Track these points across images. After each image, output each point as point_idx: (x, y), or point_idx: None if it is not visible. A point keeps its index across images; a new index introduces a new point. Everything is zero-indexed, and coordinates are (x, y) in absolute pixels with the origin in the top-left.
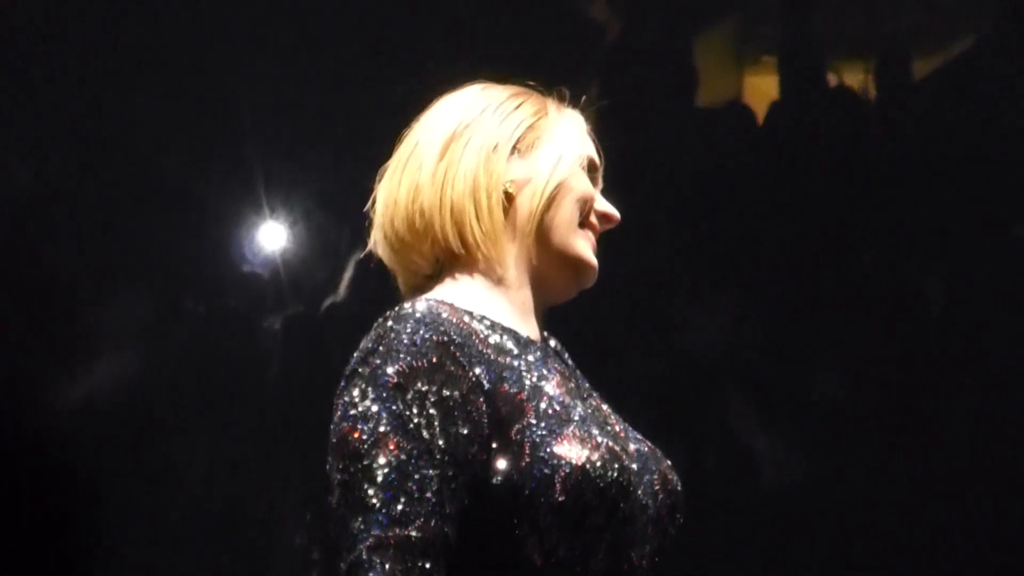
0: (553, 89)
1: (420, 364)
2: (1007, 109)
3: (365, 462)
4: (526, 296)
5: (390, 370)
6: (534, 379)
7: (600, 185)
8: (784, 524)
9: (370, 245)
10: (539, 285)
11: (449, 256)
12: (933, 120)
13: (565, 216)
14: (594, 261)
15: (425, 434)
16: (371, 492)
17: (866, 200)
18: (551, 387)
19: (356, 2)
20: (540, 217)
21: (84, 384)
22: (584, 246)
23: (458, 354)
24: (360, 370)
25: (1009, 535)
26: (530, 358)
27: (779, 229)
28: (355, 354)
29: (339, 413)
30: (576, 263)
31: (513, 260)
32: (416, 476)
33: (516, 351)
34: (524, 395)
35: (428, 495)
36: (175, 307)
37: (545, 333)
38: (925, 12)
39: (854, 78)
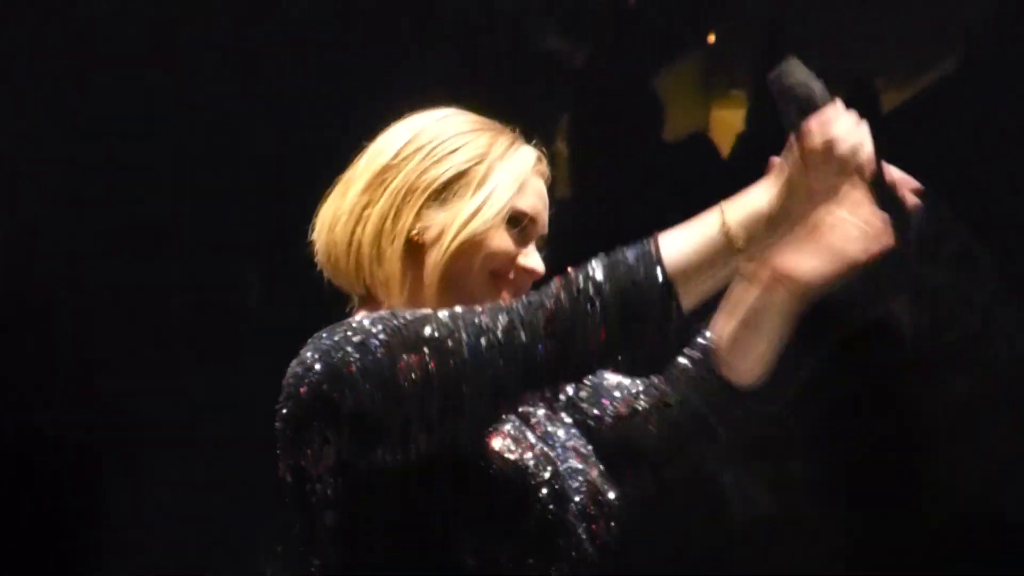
0: (515, 126)
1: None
2: (975, 141)
3: (427, 328)
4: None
5: (374, 341)
6: None
7: (539, 233)
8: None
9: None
10: None
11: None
12: (901, 154)
13: (472, 272)
14: None
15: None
16: (453, 325)
17: None
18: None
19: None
20: (443, 270)
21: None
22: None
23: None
24: (338, 345)
25: None
26: None
27: None
28: (305, 361)
29: (343, 355)
30: (520, 270)
31: (415, 306)
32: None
33: None
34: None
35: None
36: None
37: None
38: (893, 46)
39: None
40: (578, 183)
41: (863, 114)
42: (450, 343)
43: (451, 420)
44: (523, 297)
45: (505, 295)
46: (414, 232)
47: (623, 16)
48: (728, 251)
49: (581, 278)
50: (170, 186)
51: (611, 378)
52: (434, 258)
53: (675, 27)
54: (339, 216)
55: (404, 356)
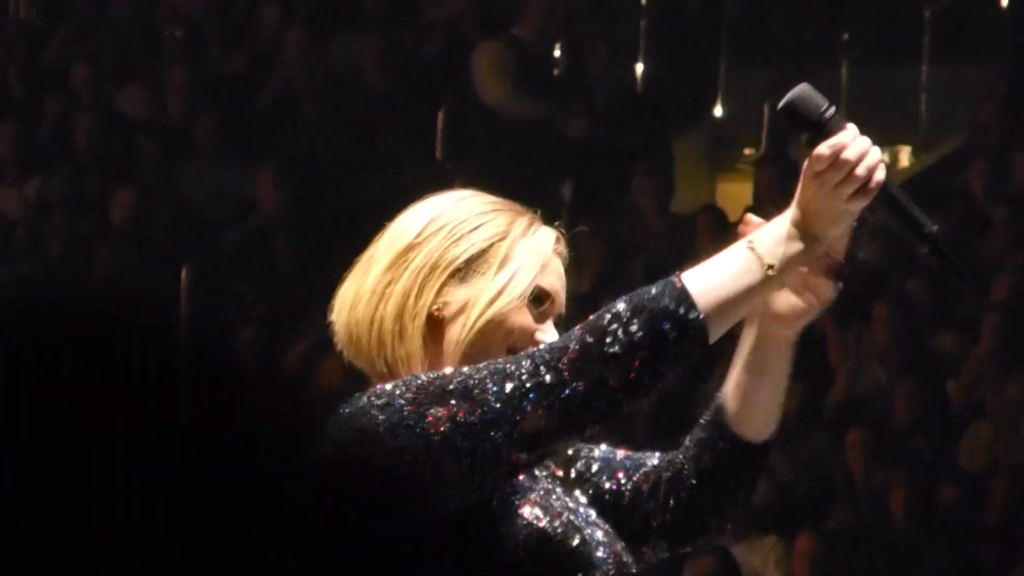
0: (534, 208)
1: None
2: (971, 212)
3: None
4: None
5: (400, 400)
6: None
7: (557, 311)
8: None
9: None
10: None
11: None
12: None
13: (493, 348)
14: None
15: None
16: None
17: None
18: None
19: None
20: (466, 347)
21: None
22: None
23: None
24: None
25: None
26: None
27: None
28: (331, 434)
29: (381, 417)
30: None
31: None
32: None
33: None
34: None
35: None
36: None
37: None
38: (899, 121)
39: None
40: (584, 258)
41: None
42: (477, 392)
43: (485, 469)
44: (545, 343)
45: None
46: (435, 308)
47: (630, 92)
48: (759, 276)
49: (607, 318)
50: None
51: (618, 452)
52: (456, 334)
53: (682, 103)
54: (361, 295)
55: (432, 409)
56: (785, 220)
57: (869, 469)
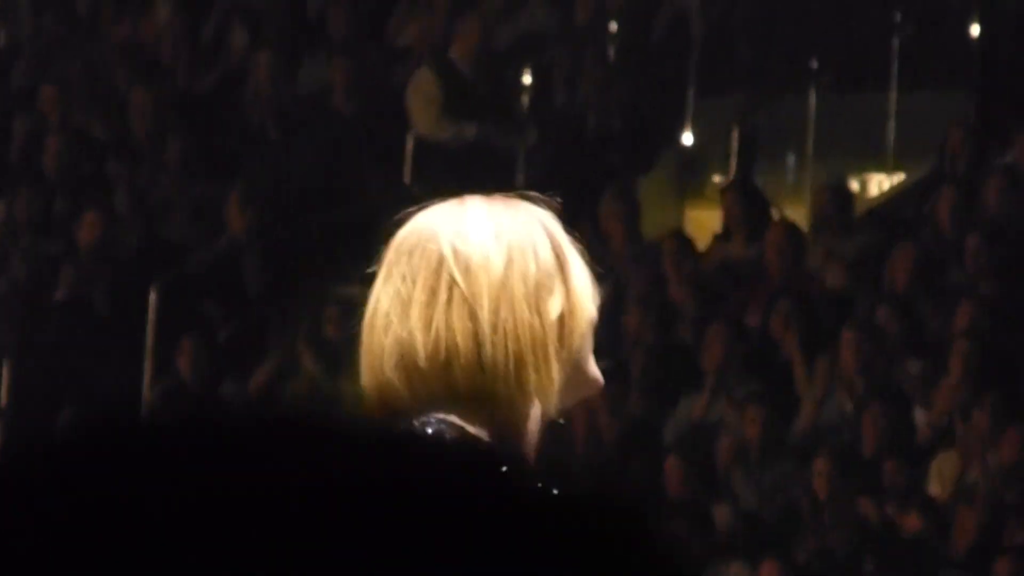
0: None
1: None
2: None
3: None
4: (523, 419)
5: None
6: None
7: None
8: None
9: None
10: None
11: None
12: (870, 254)
13: (589, 341)
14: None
15: None
16: None
17: (813, 320)
18: None
19: None
20: (579, 348)
21: None
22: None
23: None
24: None
25: None
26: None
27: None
28: None
29: None
30: (595, 383)
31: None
32: None
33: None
34: None
35: None
36: None
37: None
38: (867, 147)
39: (794, 212)
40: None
41: (839, 213)
42: None
43: None
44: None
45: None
46: (556, 316)
47: (598, 118)
48: None
49: None
50: None
51: None
52: (572, 340)
53: (649, 129)
54: (482, 339)
55: None
56: None
57: (835, 497)
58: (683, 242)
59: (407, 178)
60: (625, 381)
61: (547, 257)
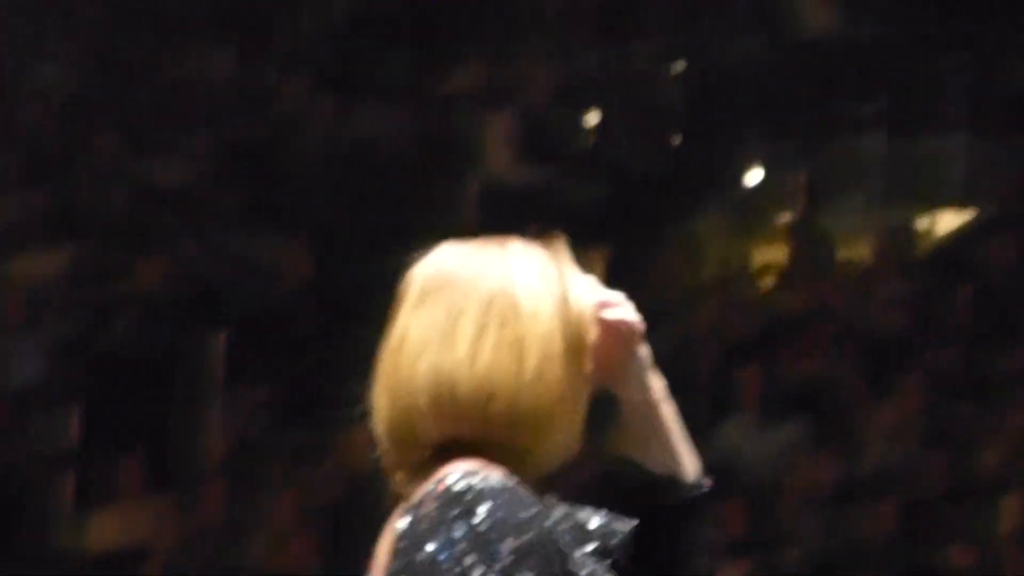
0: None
1: (525, 540)
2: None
3: None
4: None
5: (503, 548)
6: (570, 550)
7: None
8: None
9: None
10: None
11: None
12: (934, 296)
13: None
14: None
15: None
16: None
17: (877, 362)
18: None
19: None
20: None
21: None
22: None
23: (547, 528)
24: (465, 547)
25: None
26: (563, 527)
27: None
28: (431, 526)
29: None
30: (578, 446)
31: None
32: None
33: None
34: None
35: None
36: None
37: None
38: (931, 188)
39: (859, 253)
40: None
41: (903, 255)
42: None
43: None
44: None
45: None
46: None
47: (661, 161)
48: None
49: None
50: None
51: None
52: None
53: (714, 171)
54: (522, 386)
55: None
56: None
57: (902, 540)
58: (748, 284)
59: (469, 221)
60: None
61: (578, 310)
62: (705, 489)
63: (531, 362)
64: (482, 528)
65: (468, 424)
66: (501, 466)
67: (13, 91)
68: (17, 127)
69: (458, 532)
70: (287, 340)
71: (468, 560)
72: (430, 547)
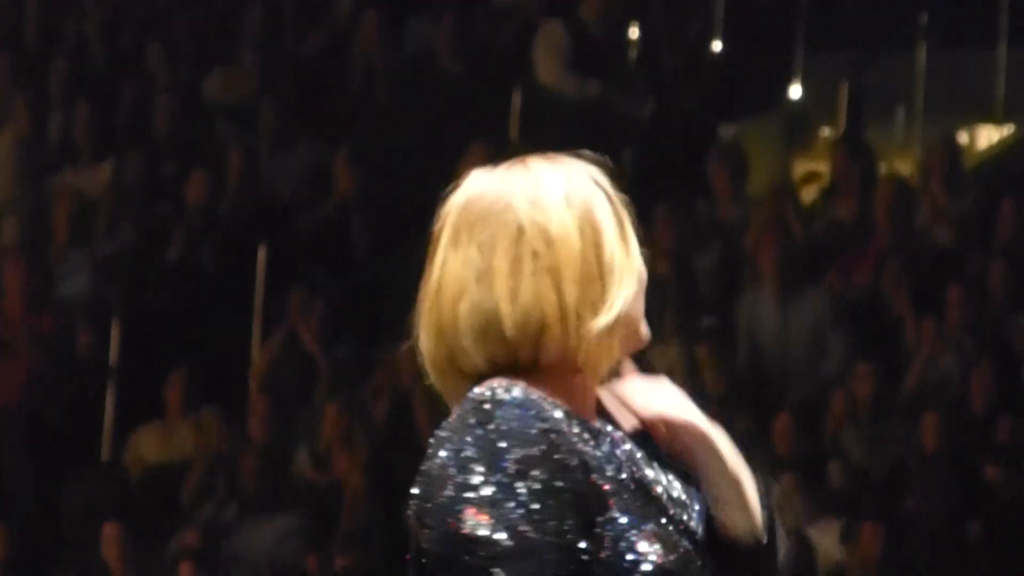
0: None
1: (533, 452)
2: None
3: (488, 547)
4: (592, 381)
5: (509, 457)
6: (613, 471)
7: None
8: None
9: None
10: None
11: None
12: (979, 210)
13: (641, 298)
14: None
15: (544, 525)
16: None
17: (922, 277)
18: (628, 480)
19: None
20: (633, 305)
21: None
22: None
23: (561, 443)
24: (472, 453)
25: None
26: (605, 448)
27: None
28: (450, 433)
29: (452, 493)
30: (643, 339)
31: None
32: (536, 563)
33: (593, 441)
34: (608, 487)
35: None
36: None
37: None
38: (975, 102)
39: (903, 167)
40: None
41: (948, 169)
42: None
43: None
44: None
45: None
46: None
47: (706, 74)
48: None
49: None
50: None
51: None
52: (629, 296)
53: (758, 84)
54: (567, 312)
55: None
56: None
57: (944, 455)
58: (791, 197)
59: (513, 135)
60: (732, 340)
61: (608, 221)
62: (758, 547)
63: (569, 286)
64: (492, 436)
65: (524, 357)
66: (552, 383)
67: (63, 4)
68: (66, 40)
69: (469, 438)
70: (335, 255)
71: (472, 466)
72: (443, 453)
